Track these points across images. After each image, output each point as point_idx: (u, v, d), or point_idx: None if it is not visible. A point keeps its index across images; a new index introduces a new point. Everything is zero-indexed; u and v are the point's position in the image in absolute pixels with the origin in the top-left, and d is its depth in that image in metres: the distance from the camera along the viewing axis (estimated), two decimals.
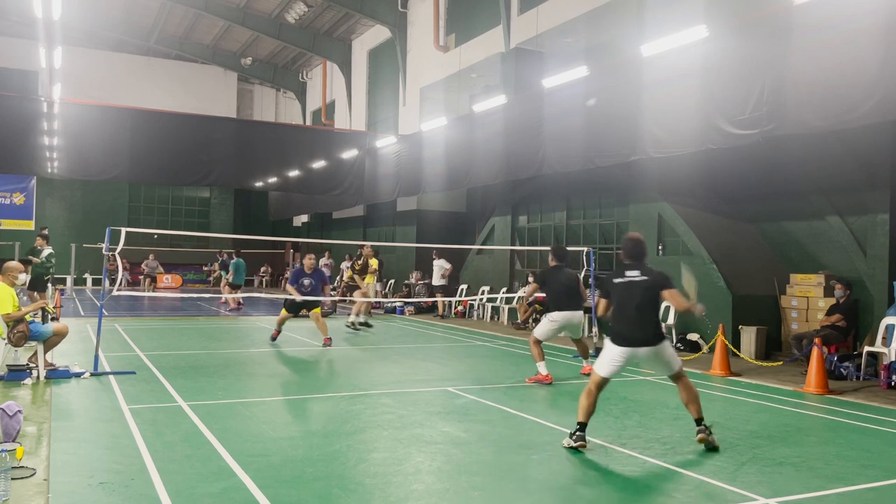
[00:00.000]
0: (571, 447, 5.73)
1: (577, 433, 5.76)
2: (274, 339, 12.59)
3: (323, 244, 28.43)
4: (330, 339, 12.35)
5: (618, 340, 5.82)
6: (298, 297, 12.23)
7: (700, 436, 5.83)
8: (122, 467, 5.02)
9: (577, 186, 16.49)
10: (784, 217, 12.93)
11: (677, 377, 6.03)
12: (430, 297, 20.12)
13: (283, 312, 12.62)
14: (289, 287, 12.60)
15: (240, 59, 33.52)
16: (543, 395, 8.34)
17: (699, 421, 5.91)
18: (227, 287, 20.87)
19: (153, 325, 15.66)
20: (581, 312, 9.14)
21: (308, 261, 12.65)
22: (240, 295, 19.28)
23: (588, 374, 8.11)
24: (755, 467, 5.43)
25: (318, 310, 12.68)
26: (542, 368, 8.91)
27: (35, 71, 29.57)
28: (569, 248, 16.10)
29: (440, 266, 19.61)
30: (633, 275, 5.98)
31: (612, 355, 5.82)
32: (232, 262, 20.34)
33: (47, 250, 14.74)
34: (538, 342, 8.98)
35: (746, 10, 11.70)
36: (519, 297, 17.17)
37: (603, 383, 5.91)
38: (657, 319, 6.14)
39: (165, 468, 4.99)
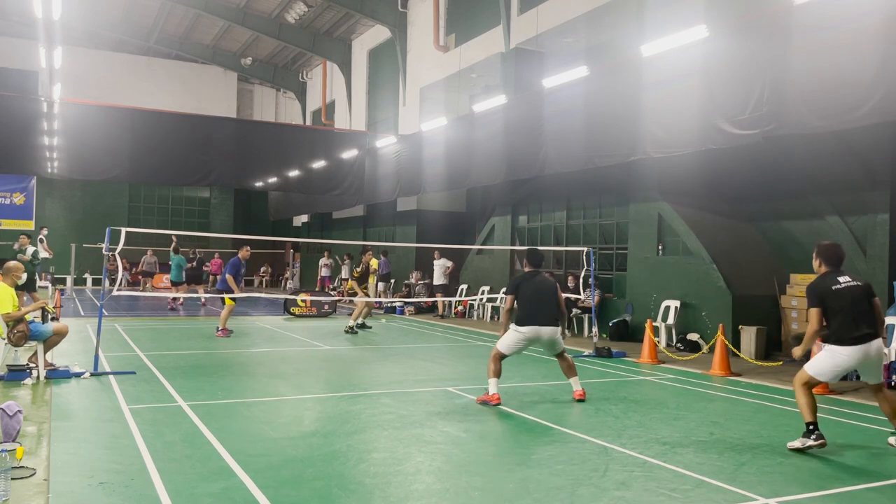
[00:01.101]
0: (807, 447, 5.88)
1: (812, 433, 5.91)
2: (224, 335, 13.18)
3: (323, 244, 28.44)
4: (227, 330, 13.18)
5: (848, 341, 5.79)
6: (236, 289, 13.31)
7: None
8: (122, 467, 5.02)
9: (577, 186, 16.49)
10: (784, 217, 12.93)
11: None
12: (430, 296, 20.12)
13: (230, 302, 13.56)
14: (229, 278, 13.49)
15: (240, 59, 33.52)
16: (543, 394, 8.33)
17: None
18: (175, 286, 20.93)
19: (153, 325, 15.66)
20: (555, 328, 7.65)
21: (243, 252, 13.72)
22: (181, 294, 19.62)
23: (580, 399, 7.75)
24: (755, 467, 5.44)
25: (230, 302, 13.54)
26: (493, 386, 7.51)
27: (35, 71, 29.58)
28: (569, 248, 16.27)
29: (442, 265, 19.60)
30: (846, 280, 5.97)
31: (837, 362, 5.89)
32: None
33: (31, 249, 14.78)
34: (500, 357, 7.66)
35: (746, 10, 11.70)
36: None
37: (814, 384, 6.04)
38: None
39: (165, 468, 4.99)
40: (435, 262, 19.78)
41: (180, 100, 31.34)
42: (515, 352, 7.71)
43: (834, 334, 5.83)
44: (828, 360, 5.88)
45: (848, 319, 5.79)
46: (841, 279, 5.96)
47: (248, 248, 13.99)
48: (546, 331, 7.58)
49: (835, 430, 7.00)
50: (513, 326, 7.60)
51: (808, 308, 5.97)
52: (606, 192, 15.93)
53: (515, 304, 7.70)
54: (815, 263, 6.17)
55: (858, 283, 5.98)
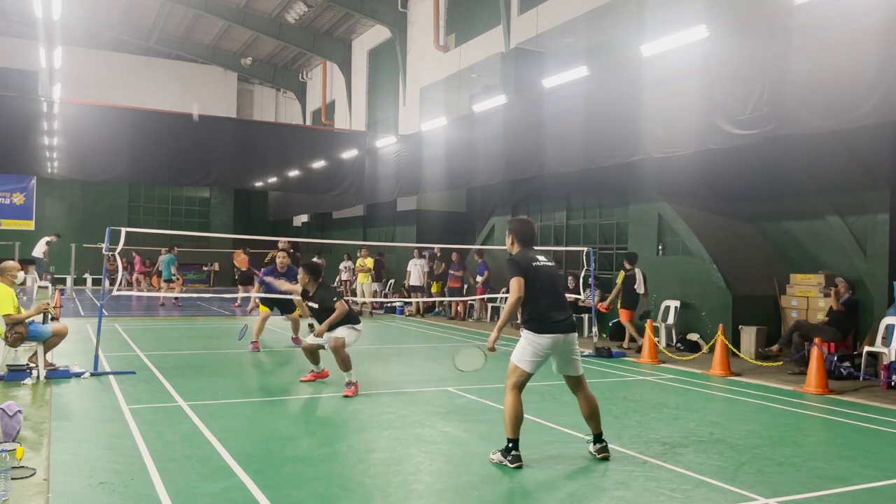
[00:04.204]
0: None
1: None
2: (257, 348, 11.59)
3: (323, 244, 28.44)
4: (300, 338, 11.51)
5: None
6: (257, 288, 11.81)
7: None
8: (122, 467, 5.02)
9: (577, 186, 16.49)
10: (784, 217, 12.93)
11: None
12: (407, 296, 20.00)
13: (263, 309, 11.97)
14: (256, 287, 12.01)
15: (240, 59, 33.52)
16: (543, 395, 8.33)
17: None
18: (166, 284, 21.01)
19: (153, 325, 15.66)
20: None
21: (281, 260, 11.91)
22: (178, 294, 19.60)
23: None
24: (755, 467, 5.43)
25: (297, 312, 12.05)
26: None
27: (35, 71, 29.58)
28: (569, 248, 16.26)
29: (420, 266, 19.49)
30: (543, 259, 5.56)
31: None
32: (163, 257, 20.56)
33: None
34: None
35: (746, 10, 11.70)
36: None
37: None
38: None
39: (165, 468, 4.99)
40: (413, 262, 19.65)
41: (180, 100, 31.30)
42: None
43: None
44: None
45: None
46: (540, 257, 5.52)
47: (285, 253, 12.12)
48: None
49: (835, 430, 7.00)
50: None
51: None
52: (606, 192, 15.93)
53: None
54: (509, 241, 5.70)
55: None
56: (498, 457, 5.32)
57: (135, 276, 27.09)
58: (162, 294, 20.91)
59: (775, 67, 9.71)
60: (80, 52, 30.81)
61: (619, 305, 12.77)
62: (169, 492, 4.50)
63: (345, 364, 7.99)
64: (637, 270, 12.64)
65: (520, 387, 5.40)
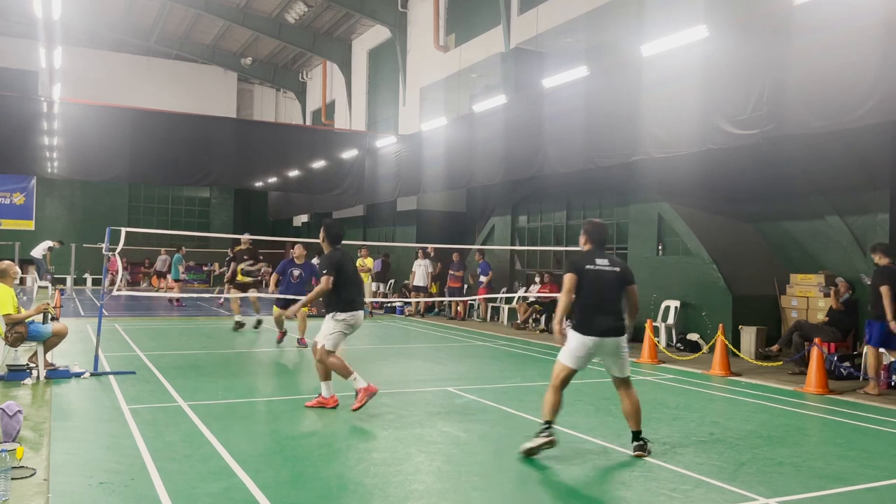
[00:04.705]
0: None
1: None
2: (280, 341, 12.12)
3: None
4: (306, 340, 11.75)
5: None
6: (273, 288, 11.89)
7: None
8: (122, 467, 5.02)
9: (577, 186, 16.49)
10: (784, 217, 12.93)
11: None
12: (409, 296, 19.98)
13: (276, 309, 12.07)
14: (272, 277, 12.12)
15: (240, 59, 33.51)
16: (543, 395, 8.32)
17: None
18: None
19: (153, 325, 15.66)
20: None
21: (298, 250, 12.23)
22: (181, 294, 19.58)
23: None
24: (755, 467, 5.43)
25: (305, 309, 12.32)
26: (327, 389, 7.04)
27: (35, 71, 29.57)
28: (569, 249, 16.26)
29: (425, 266, 19.49)
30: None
31: None
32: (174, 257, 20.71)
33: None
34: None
35: (746, 10, 11.70)
36: (519, 298, 17.19)
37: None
38: None
39: (165, 468, 4.99)
40: (418, 263, 19.64)
41: (180, 100, 31.32)
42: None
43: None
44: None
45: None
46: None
47: (302, 245, 12.49)
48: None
49: (835, 430, 7.00)
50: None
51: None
52: (606, 192, 15.93)
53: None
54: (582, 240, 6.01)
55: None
56: (532, 442, 5.58)
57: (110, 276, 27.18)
58: (171, 294, 20.86)
59: (775, 67, 9.71)
60: (80, 52, 30.80)
61: None
62: (169, 492, 4.50)
63: (339, 372, 6.92)
64: None
65: (563, 381, 5.71)
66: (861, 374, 9.35)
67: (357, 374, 6.91)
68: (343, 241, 7.42)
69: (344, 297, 6.86)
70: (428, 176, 19.74)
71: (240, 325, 14.26)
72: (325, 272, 6.79)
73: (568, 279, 5.64)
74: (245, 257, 14.46)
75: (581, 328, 5.62)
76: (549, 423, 5.62)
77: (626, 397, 5.79)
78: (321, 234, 7.09)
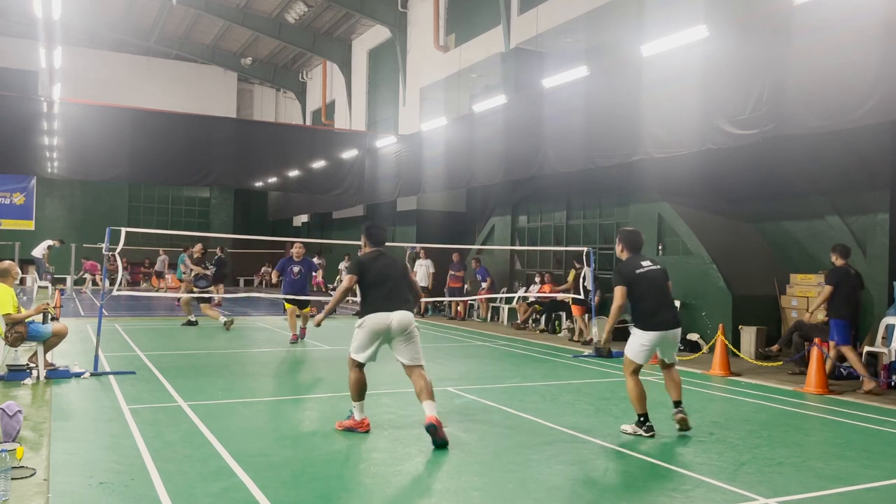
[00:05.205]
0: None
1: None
2: (294, 341, 12.46)
3: (323, 244, 28.44)
4: (297, 336, 12.55)
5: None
6: (275, 278, 12.58)
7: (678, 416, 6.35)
8: (122, 467, 5.02)
9: (577, 186, 16.49)
10: (784, 217, 12.93)
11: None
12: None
13: (288, 307, 12.67)
14: (273, 273, 12.81)
15: (240, 59, 33.52)
16: (543, 395, 8.33)
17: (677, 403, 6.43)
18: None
19: (153, 325, 15.65)
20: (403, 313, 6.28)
21: (297, 249, 12.79)
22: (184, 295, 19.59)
23: (433, 427, 5.77)
24: (755, 467, 5.43)
25: (308, 309, 12.74)
26: (359, 411, 6.27)
27: (35, 71, 29.57)
28: (569, 249, 16.27)
29: (426, 266, 19.47)
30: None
31: None
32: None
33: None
34: (357, 365, 6.29)
35: (746, 10, 11.70)
36: (519, 298, 17.19)
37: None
38: None
39: (165, 468, 4.99)
40: (419, 263, 19.61)
41: (180, 100, 31.32)
42: (369, 355, 6.37)
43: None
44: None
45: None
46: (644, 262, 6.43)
47: (300, 244, 12.96)
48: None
49: (835, 430, 7.00)
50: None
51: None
52: (606, 192, 15.93)
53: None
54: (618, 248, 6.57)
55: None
56: (632, 428, 6.22)
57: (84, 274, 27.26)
58: (176, 294, 20.80)
59: (775, 67, 9.71)
60: (80, 52, 30.80)
61: (572, 302, 14.16)
62: (169, 492, 4.50)
63: (350, 390, 6.32)
64: (587, 270, 13.68)
65: (636, 373, 6.31)
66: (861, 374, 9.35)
67: (362, 405, 6.27)
68: (386, 243, 6.73)
69: (368, 301, 6.32)
70: (428, 176, 19.74)
71: (192, 322, 14.97)
72: (347, 273, 6.44)
73: (619, 292, 6.17)
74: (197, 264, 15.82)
75: (648, 326, 6.21)
76: (643, 415, 6.26)
77: (672, 376, 6.51)
78: (362, 237, 6.62)
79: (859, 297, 9.51)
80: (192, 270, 15.81)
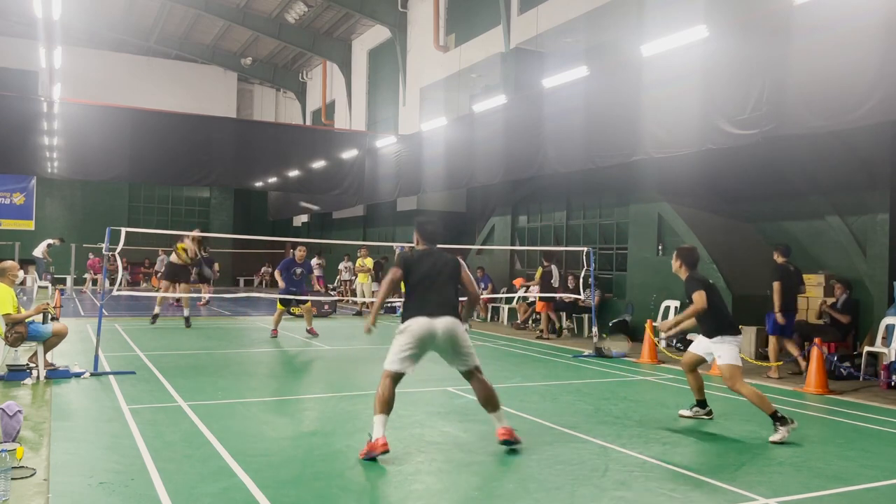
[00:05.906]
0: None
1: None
2: (275, 336, 13.04)
3: (323, 244, 28.44)
4: (314, 330, 13.10)
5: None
6: (281, 283, 12.90)
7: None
8: (122, 467, 5.02)
9: (577, 186, 16.49)
10: (784, 217, 12.93)
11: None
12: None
13: (279, 307, 13.15)
14: (276, 273, 13.24)
15: (240, 59, 33.53)
16: (543, 395, 8.33)
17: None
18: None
19: (153, 325, 15.64)
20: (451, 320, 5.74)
21: (300, 252, 13.33)
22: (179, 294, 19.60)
23: (509, 441, 5.68)
24: (755, 467, 5.44)
25: (308, 304, 13.22)
26: (379, 426, 5.41)
27: (35, 71, 29.57)
28: (569, 248, 16.27)
29: None
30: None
31: None
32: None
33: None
34: (389, 376, 5.84)
35: (746, 10, 11.70)
36: (519, 297, 17.19)
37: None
38: None
39: (165, 468, 4.99)
40: None
41: (180, 100, 31.32)
42: (404, 365, 6.07)
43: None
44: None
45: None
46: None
47: (304, 247, 13.63)
48: (438, 323, 5.85)
49: (835, 430, 7.00)
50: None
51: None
52: (606, 192, 15.93)
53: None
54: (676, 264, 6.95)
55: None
56: (781, 433, 6.16)
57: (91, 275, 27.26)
58: (178, 294, 20.76)
59: (775, 67, 9.71)
60: (80, 52, 30.80)
61: (538, 297, 14.70)
62: (169, 492, 4.50)
63: (376, 400, 5.67)
64: (553, 267, 14.54)
65: (742, 376, 6.63)
66: (861, 374, 9.36)
67: (386, 420, 5.50)
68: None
69: (410, 303, 5.83)
70: (428, 176, 19.74)
71: (155, 317, 14.94)
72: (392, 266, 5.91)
73: (699, 295, 6.52)
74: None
75: (737, 330, 6.74)
76: (700, 401, 7.05)
77: (698, 376, 7.12)
78: (414, 233, 6.14)
79: (798, 291, 10.30)
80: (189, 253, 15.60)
